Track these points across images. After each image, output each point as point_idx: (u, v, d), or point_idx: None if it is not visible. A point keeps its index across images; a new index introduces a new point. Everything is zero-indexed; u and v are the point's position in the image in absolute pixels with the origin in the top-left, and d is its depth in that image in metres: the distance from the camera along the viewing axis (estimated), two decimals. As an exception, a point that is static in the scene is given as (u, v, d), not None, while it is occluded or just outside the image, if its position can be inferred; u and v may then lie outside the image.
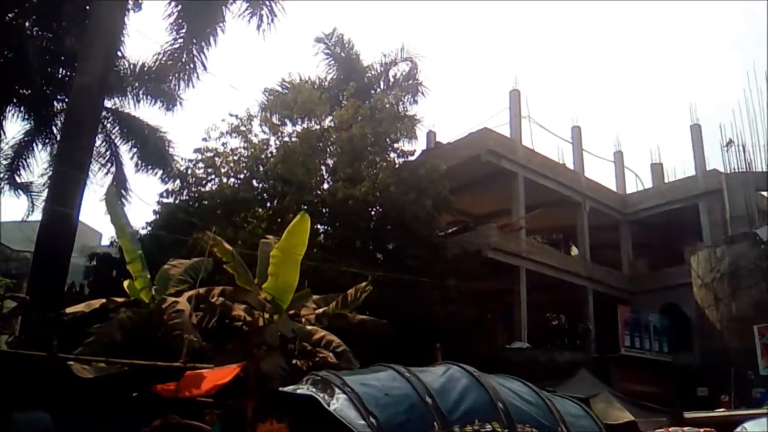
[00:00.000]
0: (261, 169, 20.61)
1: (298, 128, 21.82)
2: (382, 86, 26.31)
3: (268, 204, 20.65)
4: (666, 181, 31.05)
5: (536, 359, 21.52)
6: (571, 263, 27.35)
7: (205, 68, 17.69)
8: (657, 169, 32.15)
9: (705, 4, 77.77)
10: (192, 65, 17.67)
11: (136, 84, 19.73)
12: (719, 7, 76.64)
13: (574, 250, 30.34)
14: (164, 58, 18.14)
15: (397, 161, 22.21)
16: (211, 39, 17.12)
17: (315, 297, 14.22)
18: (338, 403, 3.47)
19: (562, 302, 29.22)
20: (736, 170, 25.91)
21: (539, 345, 23.83)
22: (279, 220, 18.37)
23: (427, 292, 18.54)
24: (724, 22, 78.66)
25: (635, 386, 21.57)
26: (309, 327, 12.49)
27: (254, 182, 20.77)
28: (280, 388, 5.86)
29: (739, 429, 3.39)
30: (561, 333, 30.30)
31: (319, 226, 20.50)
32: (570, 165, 28.99)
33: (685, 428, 9.62)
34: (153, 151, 20.14)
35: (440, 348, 12.10)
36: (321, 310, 13.54)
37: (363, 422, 3.34)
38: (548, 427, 3.49)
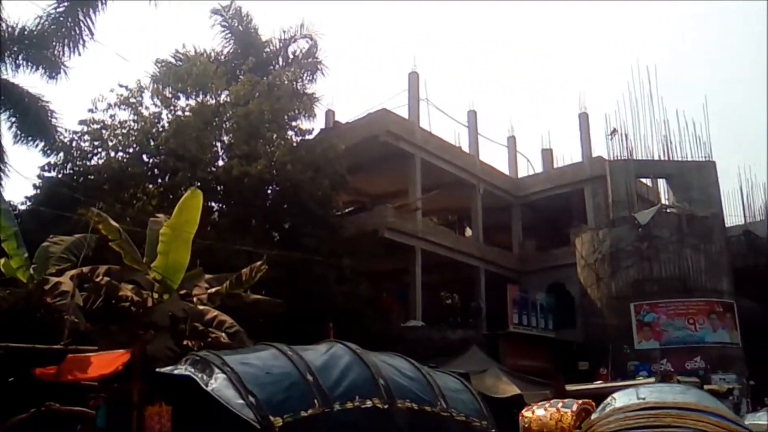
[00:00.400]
0: (152, 143, 19.80)
1: (192, 102, 21.09)
2: (280, 62, 25.84)
3: (159, 180, 19.91)
4: (555, 166, 32.40)
5: (430, 337, 22.01)
6: (465, 244, 28.07)
7: (92, 35, 16.77)
8: (547, 154, 33.47)
9: (597, 2, 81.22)
10: (78, 31, 16.69)
11: (15, 49, 18.36)
12: (610, 5, 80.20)
13: (468, 231, 31.18)
14: (47, 23, 17.02)
15: (294, 139, 21.92)
16: (99, 4, 16.22)
17: (207, 276, 13.89)
18: (216, 383, 3.39)
19: (455, 282, 30.02)
20: (619, 158, 27.32)
21: (433, 323, 24.35)
22: (171, 197, 17.76)
23: (323, 271, 18.51)
24: (613, 19, 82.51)
25: (522, 361, 22.51)
26: (201, 307, 12.20)
27: (144, 157, 19.93)
28: (158, 369, 5.68)
29: (608, 399, 3.64)
30: (454, 311, 31.15)
31: (213, 204, 20.01)
32: (466, 148, 29.65)
33: (565, 400, 10.08)
34: (34, 121, 18.80)
35: (333, 327, 12.14)
36: (214, 289, 13.25)
37: (242, 401, 3.28)
38: (428, 402, 3.56)
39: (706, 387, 18.00)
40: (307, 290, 17.43)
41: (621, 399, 3.74)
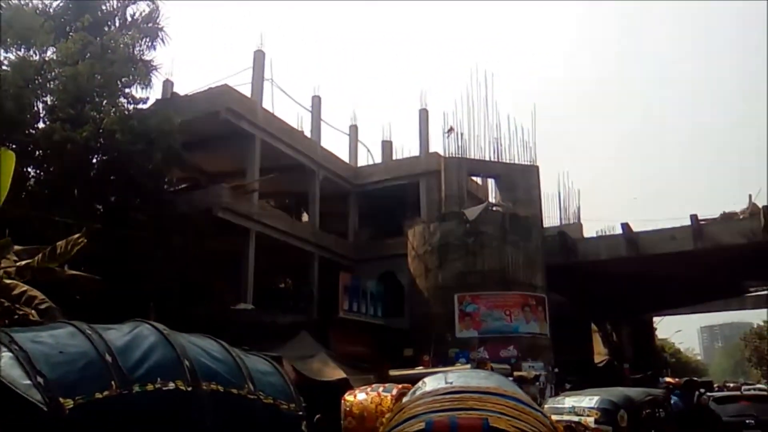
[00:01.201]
0: (-40, 99, 17.80)
1: (12, 56, 19.21)
2: (117, 24, 24.17)
3: (-33, 139, 17.93)
4: (394, 158, 33.21)
5: (260, 321, 21.69)
6: (300, 229, 28.01)
7: None
8: (387, 146, 34.22)
9: (447, 5, 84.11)
10: None
11: None
12: (456, 9, 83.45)
13: (305, 217, 31.16)
14: None
15: (127, 108, 20.64)
16: None
17: (17, 248, 12.67)
18: (1, 363, 3.06)
19: (289, 266, 29.88)
20: (454, 155, 28.59)
21: (265, 307, 24.10)
22: (-20, 158, 16.03)
23: (151, 249, 17.66)
24: (458, 22, 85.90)
25: (351, 347, 22.88)
26: (8, 281, 11.13)
27: (-51, 112, 17.87)
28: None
29: (419, 383, 3.78)
30: (287, 296, 31.03)
31: (29, 170, 18.38)
32: (308, 133, 29.56)
33: (387, 384, 10.34)
34: None
35: (155, 307, 11.61)
36: (23, 262, 12.14)
37: (28, 382, 2.99)
38: (234, 384, 3.46)
39: (516, 373, 19.35)
40: (133, 268, 16.54)
41: (430, 383, 3.85)
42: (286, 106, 67.86)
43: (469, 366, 18.76)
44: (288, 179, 27.30)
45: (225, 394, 3.31)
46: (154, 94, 23.81)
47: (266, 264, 26.31)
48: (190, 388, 3.11)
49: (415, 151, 31.73)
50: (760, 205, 27.58)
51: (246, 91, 25.73)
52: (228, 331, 8.49)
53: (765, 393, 17.06)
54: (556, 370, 25.53)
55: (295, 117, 31.59)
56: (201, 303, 18.94)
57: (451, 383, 3.91)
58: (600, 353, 40.39)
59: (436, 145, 30.67)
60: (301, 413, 4.04)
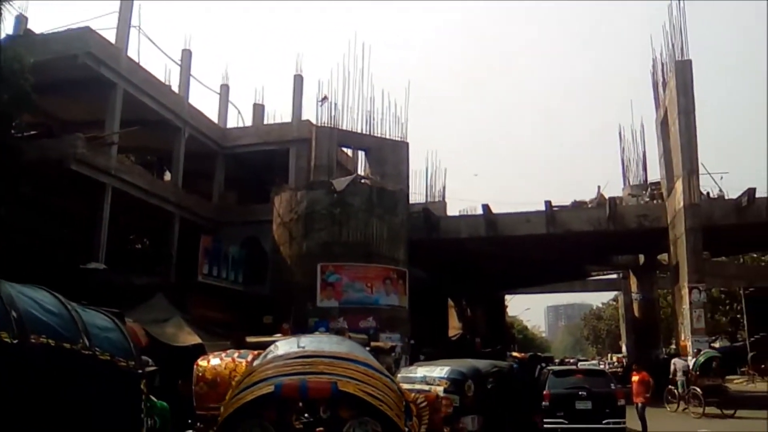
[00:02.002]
0: None
1: None
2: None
3: None
4: (265, 122, 32.57)
5: (112, 281, 20.64)
6: (162, 188, 26.82)
7: None
8: (258, 109, 33.50)
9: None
10: None
11: None
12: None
13: (168, 176, 29.90)
14: None
15: (-32, 40, 18.71)
16: None
17: None
18: None
19: (148, 226, 28.65)
20: (326, 124, 28.45)
21: (120, 267, 22.95)
22: None
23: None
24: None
25: (209, 312, 22.32)
26: None
27: None
28: None
29: (271, 347, 3.73)
30: (144, 257, 29.75)
31: None
32: (175, 88, 28.26)
33: (241, 350, 10.13)
34: None
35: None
36: None
37: None
38: (67, 338, 3.21)
39: (373, 344, 19.71)
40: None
41: (282, 347, 3.77)
42: (153, 58, 64.43)
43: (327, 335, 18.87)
44: (151, 134, 26.02)
45: (57, 348, 3.06)
46: (5, 29, 21.73)
47: (123, 223, 25.04)
48: (16, 341, 2.84)
49: (287, 117, 31.30)
50: (607, 196, 29.74)
51: (111, 37, 24.10)
52: (76, 291, 7.95)
53: (596, 368, 18.55)
54: (413, 342, 26.34)
55: (163, 70, 30.05)
56: (48, 260, 17.65)
57: (303, 347, 3.86)
58: (455, 327, 42.10)
59: (309, 113, 30.42)
60: (141, 371, 3.84)
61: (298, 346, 3.88)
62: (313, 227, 24.58)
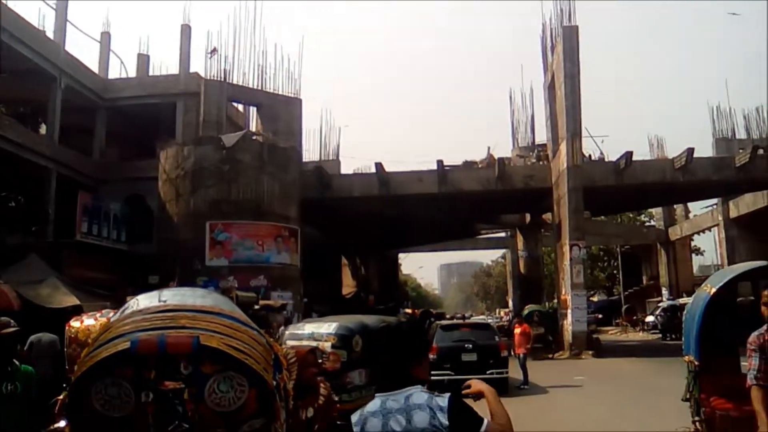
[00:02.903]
0: None
1: None
2: None
3: None
4: (151, 74, 30.99)
5: (-20, 241, 19.31)
6: (35, 141, 25.04)
7: None
8: (143, 60, 31.81)
9: None
10: None
11: None
12: None
13: (44, 129, 27.96)
14: None
15: None
16: None
17: None
18: None
19: (22, 182, 26.75)
20: (215, 78, 27.39)
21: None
22: None
23: None
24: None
25: (89, 273, 21.33)
26: None
27: None
28: None
29: (131, 301, 3.52)
30: (18, 215, 27.85)
31: None
32: (50, 34, 26.27)
33: (117, 310, 9.62)
34: None
35: None
36: None
37: None
38: None
39: (262, 302, 19.50)
40: None
41: (143, 301, 3.53)
42: (25, 1, 59.49)
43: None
44: (24, 84, 24.21)
45: None
46: None
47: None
48: None
49: (174, 69, 29.91)
50: (497, 157, 30.49)
51: (-27, -25, 21.96)
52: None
53: (482, 322, 19.19)
54: (305, 300, 26.27)
55: (37, 14, 27.88)
56: None
57: (165, 301, 3.63)
58: (349, 285, 42.43)
59: (198, 66, 29.23)
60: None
61: (159, 300, 3.65)
62: (201, 184, 23.77)
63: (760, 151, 28.11)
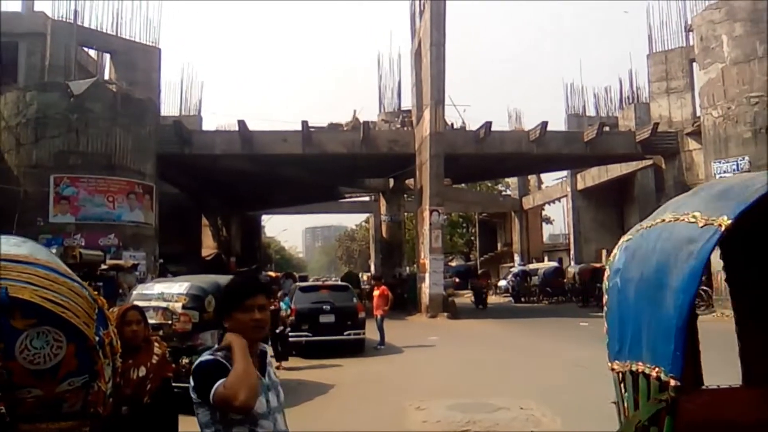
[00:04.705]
0: None
1: None
2: None
3: None
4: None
5: None
6: None
7: None
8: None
9: None
10: None
11: None
12: None
13: None
14: None
15: None
16: None
17: None
18: None
19: None
20: (64, 19, 25.26)
21: None
22: None
23: None
24: None
25: None
26: None
27: None
28: None
29: None
30: None
31: None
32: None
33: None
34: None
35: None
36: None
37: None
38: None
39: (111, 261, 18.44)
40: None
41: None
42: None
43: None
44: None
45: None
46: None
47: None
48: None
49: (16, 7, 27.26)
50: (362, 121, 30.55)
51: None
52: None
53: (341, 284, 19.25)
54: (161, 261, 25.19)
55: None
56: None
57: (-21, 252, 3.23)
58: (210, 247, 41.18)
59: (44, 5, 26.88)
60: None
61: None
62: (45, 134, 21.88)
63: (606, 128, 30.13)
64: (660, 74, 31.16)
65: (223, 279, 11.68)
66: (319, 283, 24.03)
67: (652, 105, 31.77)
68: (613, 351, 3.26)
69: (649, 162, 31.73)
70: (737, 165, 22.42)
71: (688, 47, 29.21)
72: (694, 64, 26.82)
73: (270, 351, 2.70)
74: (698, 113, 26.59)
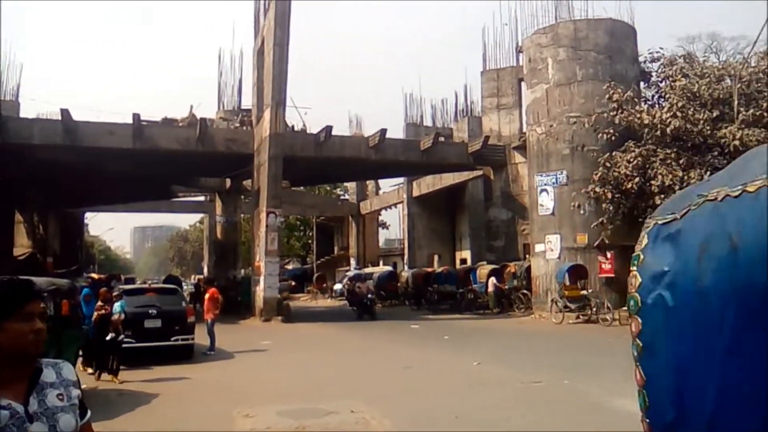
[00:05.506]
0: None
1: None
2: None
3: None
4: None
5: None
6: None
7: None
8: None
9: None
10: None
11: None
12: None
13: None
14: None
15: None
16: None
17: None
18: None
19: None
20: None
21: None
22: None
23: None
24: None
25: None
26: None
27: None
28: None
29: None
30: None
31: None
32: None
33: None
34: None
35: None
36: None
37: None
38: None
39: None
40: None
41: None
42: None
43: None
44: None
45: None
46: None
47: None
48: None
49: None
50: (199, 117, 29.44)
51: None
52: None
53: (169, 287, 18.26)
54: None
55: None
56: None
57: None
58: (24, 245, 37.72)
59: None
60: None
61: None
62: None
63: (442, 138, 31.38)
64: (492, 90, 33.03)
65: (37, 281, 10.68)
66: (146, 285, 22.78)
67: (484, 119, 33.57)
68: (657, 426, 1.66)
69: (479, 172, 33.46)
70: (556, 178, 24.23)
71: (518, 67, 31.18)
72: (523, 83, 28.67)
73: (71, 369, 2.24)
74: (524, 129, 28.44)
